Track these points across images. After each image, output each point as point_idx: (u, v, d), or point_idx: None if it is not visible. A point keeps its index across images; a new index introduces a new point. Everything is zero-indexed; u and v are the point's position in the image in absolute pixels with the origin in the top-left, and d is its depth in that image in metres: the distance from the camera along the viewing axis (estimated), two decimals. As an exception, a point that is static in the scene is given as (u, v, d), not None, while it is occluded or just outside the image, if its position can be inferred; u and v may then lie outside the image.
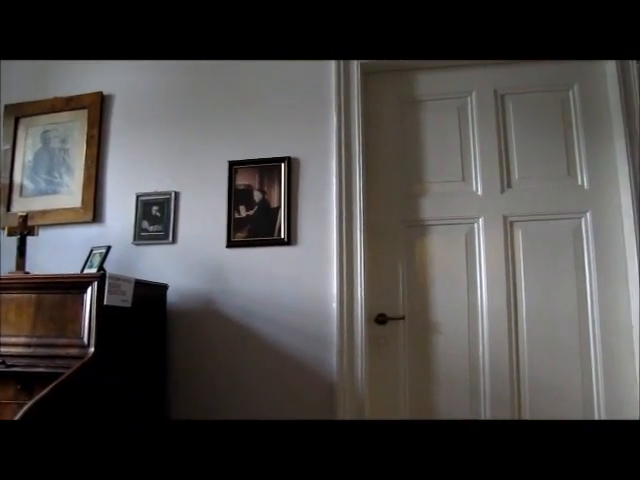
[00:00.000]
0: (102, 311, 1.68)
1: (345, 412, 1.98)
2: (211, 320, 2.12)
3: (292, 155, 2.17)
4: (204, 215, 2.21)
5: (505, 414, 2.03)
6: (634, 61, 2.05)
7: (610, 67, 2.12)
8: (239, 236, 2.14)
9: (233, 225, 2.15)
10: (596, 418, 2.02)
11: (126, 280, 1.79)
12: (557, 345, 2.04)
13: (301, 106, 2.20)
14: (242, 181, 2.17)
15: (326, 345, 2.04)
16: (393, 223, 2.15)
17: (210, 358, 2.11)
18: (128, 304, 1.79)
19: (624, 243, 2.04)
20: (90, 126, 2.37)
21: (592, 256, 2.06)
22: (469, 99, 2.20)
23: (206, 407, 2.08)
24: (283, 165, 2.14)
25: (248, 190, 2.17)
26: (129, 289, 1.79)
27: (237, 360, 2.09)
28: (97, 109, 2.37)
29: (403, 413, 2.06)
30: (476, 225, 2.12)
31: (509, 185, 2.13)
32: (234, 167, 2.18)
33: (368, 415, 2.00)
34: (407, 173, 2.18)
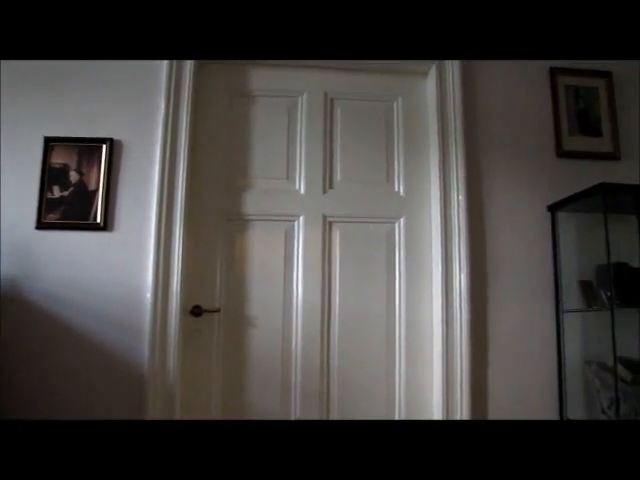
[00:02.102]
0: None
1: (155, 406, 2.21)
2: (16, 308, 2.12)
3: (116, 137, 2.37)
4: (12, 192, 2.23)
5: (314, 409, 2.32)
6: (452, 81, 2.51)
7: (430, 84, 2.54)
8: (51, 218, 2.30)
9: (45, 205, 2.31)
10: (396, 415, 2.41)
11: None
12: (366, 343, 2.32)
13: (130, 89, 2.35)
14: (58, 159, 2.34)
15: (138, 336, 2.14)
16: (215, 215, 2.37)
17: (14, 350, 2.10)
18: None
19: (431, 250, 2.41)
20: None
21: (402, 260, 2.39)
22: (300, 99, 2.44)
23: (5, 406, 2.05)
24: (105, 146, 2.34)
25: (64, 169, 2.33)
26: None
27: (44, 353, 2.10)
28: None
29: (215, 406, 2.32)
30: (296, 223, 2.43)
31: (331, 186, 2.46)
32: (50, 144, 2.33)
33: (179, 408, 2.24)
34: (233, 166, 2.35)
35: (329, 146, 2.36)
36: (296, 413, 2.22)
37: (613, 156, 2.41)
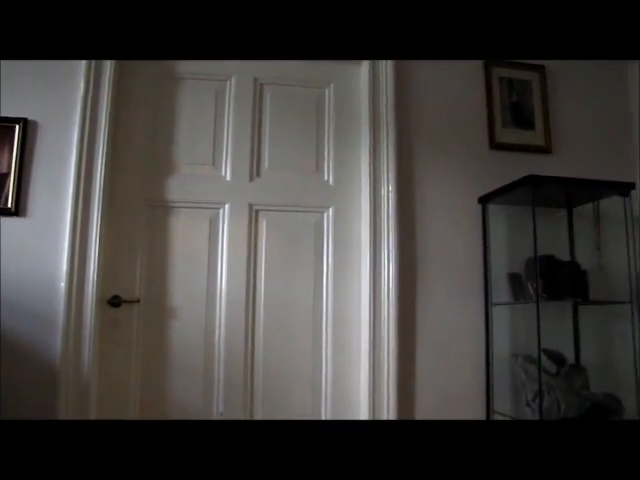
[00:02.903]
0: None
1: (67, 403, 2.19)
2: None
3: (30, 117, 2.36)
4: None
5: (238, 404, 2.32)
6: (385, 69, 2.59)
7: (363, 72, 2.57)
8: (-43, 201, 2.29)
9: (-50, 188, 2.29)
10: (322, 409, 2.47)
11: None
12: (292, 336, 2.31)
13: (47, 67, 2.22)
14: (-34, 140, 2.33)
15: (51, 328, 2.08)
16: (135, 201, 2.33)
17: None
18: None
19: (360, 241, 2.45)
20: None
21: (330, 251, 2.38)
22: (228, 83, 2.41)
23: None
24: (18, 127, 2.31)
25: (-28, 150, 2.33)
26: None
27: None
28: None
29: (133, 402, 2.32)
30: (221, 211, 2.43)
31: (258, 174, 2.48)
32: (-42, 123, 2.33)
33: (94, 405, 2.24)
34: (156, 150, 2.30)
35: (257, 132, 2.38)
36: (219, 408, 2.24)
37: (545, 149, 2.52)
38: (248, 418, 2.23)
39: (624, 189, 2.19)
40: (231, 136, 2.33)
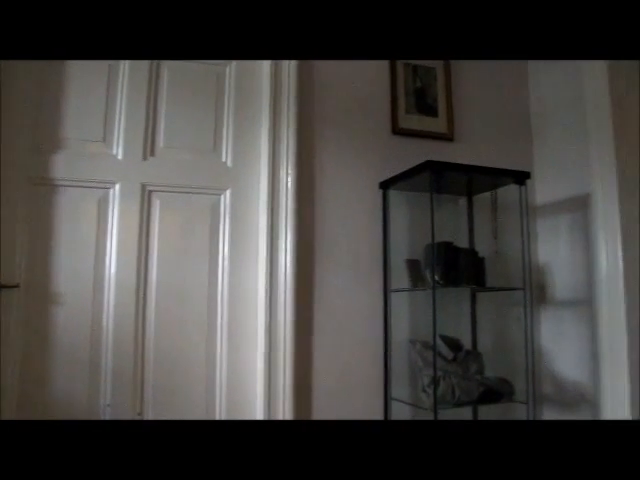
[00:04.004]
0: None
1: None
2: None
3: None
4: None
5: (127, 396, 2.36)
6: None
7: None
8: None
9: None
10: (217, 397, 2.53)
11: None
12: (185, 322, 2.28)
13: None
14: None
15: None
16: (16, 178, 2.20)
17: None
18: None
19: (258, 225, 2.45)
20: None
21: (227, 235, 2.35)
22: None
23: None
24: None
25: None
26: None
27: None
28: None
29: (10, 394, 2.31)
30: (112, 191, 2.41)
31: (152, 153, 2.45)
32: None
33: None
34: (41, 124, 2.21)
35: (153, 109, 2.35)
36: (106, 399, 2.25)
37: (447, 137, 2.68)
38: (137, 410, 2.24)
39: (520, 178, 2.38)
40: (124, 112, 2.31)
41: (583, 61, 2.46)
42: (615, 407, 2.29)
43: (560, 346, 2.57)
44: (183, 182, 2.34)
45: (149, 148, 2.31)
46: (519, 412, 2.31)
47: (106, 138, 2.28)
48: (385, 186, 2.40)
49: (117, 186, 2.24)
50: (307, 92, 2.46)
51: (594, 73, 2.44)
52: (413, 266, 2.34)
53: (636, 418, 2.23)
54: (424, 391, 2.24)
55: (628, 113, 2.43)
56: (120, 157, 2.27)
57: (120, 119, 2.30)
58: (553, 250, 2.62)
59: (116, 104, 2.35)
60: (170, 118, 2.35)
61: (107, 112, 2.30)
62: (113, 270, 2.25)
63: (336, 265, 2.36)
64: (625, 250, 2.31)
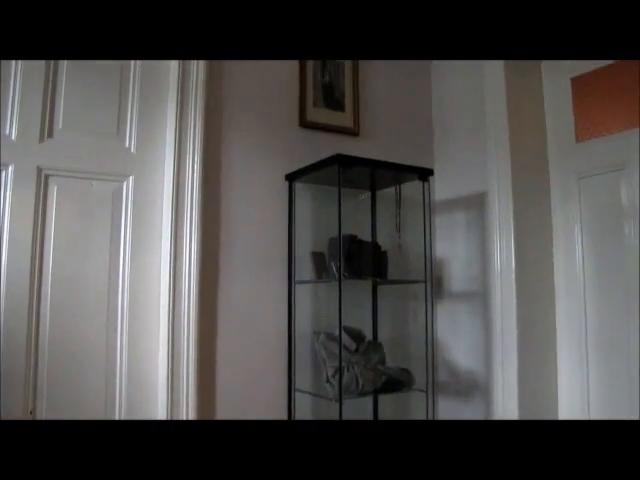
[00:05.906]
0: None
1: None
2: None
3: None
4: None
5: (17, 398, 2.16)
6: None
7: None
8: None
9: None
10: (117, 392, 2.50)
11: None
12: (83, 318, 2.23)
13: None
14: None
15: None
16: None
17: None
18: None
19: (162, 214, 2.39)
20: None
21: (129, 224, 2.32)
22: None
23: None
24: None
25: None
26: None
27: None
28: None
29: None
30: (4, 173, 2.23)
31: (50, 135, 2.32)
32: None
33: None
34: None
35: (51, 87, 2.26)
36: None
37: (353, 132, 2.82)
38: (30, 404, 2.20)
39: (423, 174, 2.54)
40: (19, 89, 2.22)
41: (484, 62, 2.63)
42: (505, 394, 2.50)
43: (455, 336, 2.77)
44: (83, 167, 2.30)
45: (47, 129, 2.25)
46: (418, 400, 2.46)
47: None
48: (291, 178, 2.49)
49: (10, 168, 2.18)
50: (215, 79, 2.50)
51: (492, 74, 2.63)
52: (318, 258, 2.44)
53: (523, 404, 2.44)
54: (328, 381, 2.35)
55: (524, 114, 2.65)
56: (14, 138, 2.20)
57: (15, 97, 2.22)
58: (450, 245, 2.82)
59: (10, 80, 2.24)
60: (70, 98, 2.30)
61: (0, 89, 2.17)
62: (4, 257, 2.17)
63: (241, 256, 2.43)
64: (517, 246, 2.52)
